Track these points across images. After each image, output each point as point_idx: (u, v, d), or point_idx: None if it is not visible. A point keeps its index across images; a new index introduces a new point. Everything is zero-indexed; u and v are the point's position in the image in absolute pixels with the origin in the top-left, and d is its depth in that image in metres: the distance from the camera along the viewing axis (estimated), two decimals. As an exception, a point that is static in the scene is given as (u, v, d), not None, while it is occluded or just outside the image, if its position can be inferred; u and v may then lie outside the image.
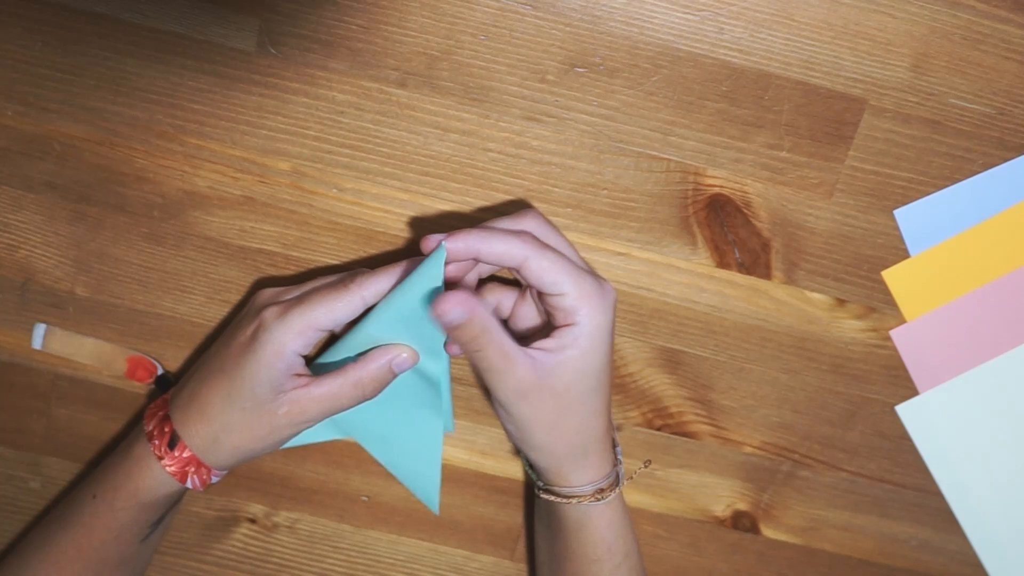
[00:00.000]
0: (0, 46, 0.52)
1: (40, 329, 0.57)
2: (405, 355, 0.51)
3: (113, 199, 0.55)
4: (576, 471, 0.51)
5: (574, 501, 0.52)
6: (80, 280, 0.57)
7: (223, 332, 0.53)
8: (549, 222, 0.50)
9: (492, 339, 0.47)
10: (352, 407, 0.51)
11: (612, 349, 0.50)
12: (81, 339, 0.57)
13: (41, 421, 0.60)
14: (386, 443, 0.58)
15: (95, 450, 0.60)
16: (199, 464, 0.51)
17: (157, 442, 0.51)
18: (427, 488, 0.59)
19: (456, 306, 0.46)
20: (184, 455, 0.51)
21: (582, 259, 0.51)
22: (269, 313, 0.49)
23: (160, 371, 0.57)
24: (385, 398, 0.55)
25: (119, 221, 0.55)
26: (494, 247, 0.48)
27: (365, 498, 0.61)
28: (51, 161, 0.54)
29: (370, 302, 0.50)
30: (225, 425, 0.50)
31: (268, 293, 0.52)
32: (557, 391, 0.49)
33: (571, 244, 0.51)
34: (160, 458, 0.51)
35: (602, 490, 0.52)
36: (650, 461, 0.59)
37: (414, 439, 0.58)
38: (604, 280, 0.49)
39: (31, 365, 0.58)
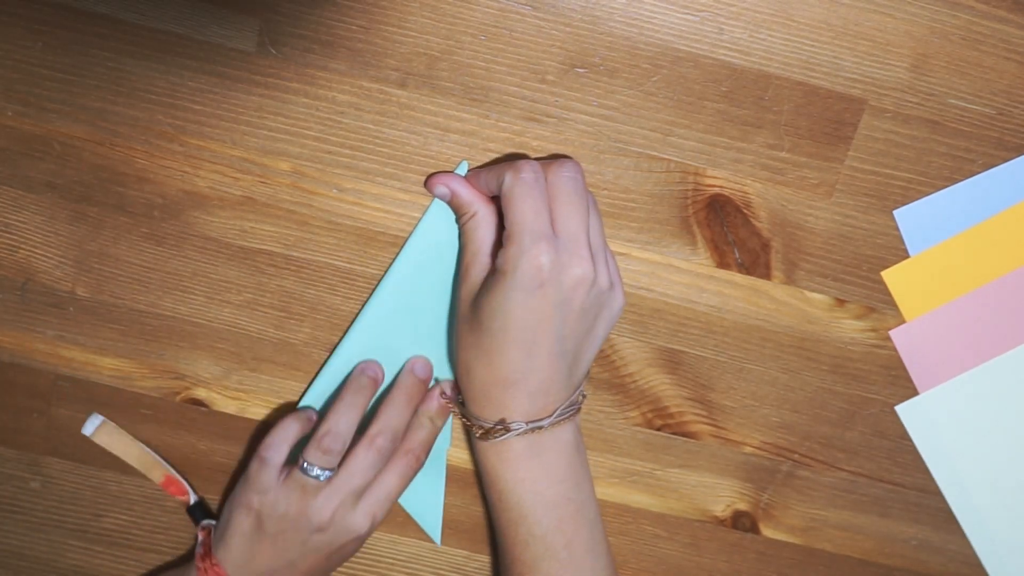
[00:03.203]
0: (0, 46, 0.52)
1: (96, 420, 0.59)
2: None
3: (113, 199, 0.55)
4: (467, 391, 0.53)
5: (459, 415, 0.54)
6: (80, 280, 0.57)
7: (284, 534, 0.54)
8: (580, 180, 0.50)
9: (476, 227, 0.52)
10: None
11: (544, 317, 0.49)
12: (131, 441, 0.59)
13: (41, 421, 0.60)
14: None
15: (95, 450, 0.60)
16: None
17: None
18: (430, 518, 0.60)
19: (440, 184, 0.53)
20: None
21: (600, 236, 0.51)
22: (359, 523, 0.54)
23: (193, 499, 0.59)
24: None
25: (119, 221, 0.56)
26: (485, 179, 0.52)
27: (365, 498, 0.61)
28: (51, 161, 0.54)
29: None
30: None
31: (325, 501, 0.53)
32: (471, 299, 0.51)
33: (591, 212, 0.50)
34: None
35: (482, 427, 0.52)
36: (536, 427, 0.53)
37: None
38: (581, 259, 0.49)
39: (31, 365, 0.58)
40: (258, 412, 0.59)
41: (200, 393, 0.59)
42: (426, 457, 0.56)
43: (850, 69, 0.52)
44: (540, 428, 0.52)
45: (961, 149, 0.54)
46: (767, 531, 0.62)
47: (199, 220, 0.55)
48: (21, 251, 0.56)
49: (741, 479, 0.60)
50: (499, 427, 0.51)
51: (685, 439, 0.59)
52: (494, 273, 0.50)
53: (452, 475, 0.60)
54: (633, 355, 0.58)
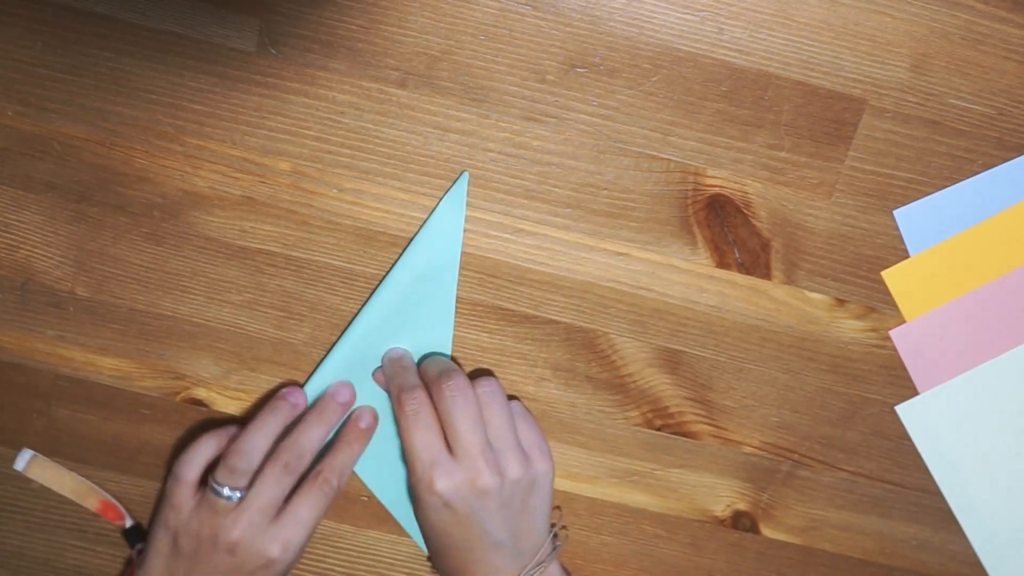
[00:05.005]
0: (0, 46, 0.52)
1: (26, 454, 0.60)
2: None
3: (113, 199, 0.55)
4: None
5: None
6: (80, 280, 0.57)
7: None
8: (467, 389, 0.53)
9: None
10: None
11: (462, 525, 0.53)
12: (63, 472, 0.60)
13: (41, 421, 0.60)
14: (384, 481, 0.59)
15: (95, 450, 0.60)
16: None
17: None
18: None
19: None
20: None
21: (502, 427, 0.53)
22: (269, 548, 0.53)
23: (129, 523, 0.60)
24: (382, 436, 0.57)
25: (119, 221, 0.56)
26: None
27: (365, 498, 0.61)
28: (51, 161, 0.54)
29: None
30: None
31: (234, 522, 0.52)
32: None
33: (490, 406, 0.54)
34: None
35: None
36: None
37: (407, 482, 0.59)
38: (480, 471, 0.52)
39: (31, 365, 0.58)
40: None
41: (200, 393, 0.59)
42: (340, 483, 0.55)
43: (850, 69, 0.52)
44: None
45: (961, 149, 0.54)
46: (767, 531, 0.62)
47: (199, 220, 0.55)
48: (21, 251, 0.56)
49: (741, 479, 0.60)
50: None
51: (685, 439, 0.59)
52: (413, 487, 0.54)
53: (452, 475, 0.60)
54: (633, 355, 0.58)
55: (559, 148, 0.54)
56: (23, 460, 0.59)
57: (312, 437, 0.54)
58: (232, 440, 0.54)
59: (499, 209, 0.55)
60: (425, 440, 0.52)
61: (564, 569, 0.57)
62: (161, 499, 0.55)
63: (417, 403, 0.53)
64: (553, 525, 0.57)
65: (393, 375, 0.55)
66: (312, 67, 0.52)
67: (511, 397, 0.58)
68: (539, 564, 0.55)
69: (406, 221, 0.55)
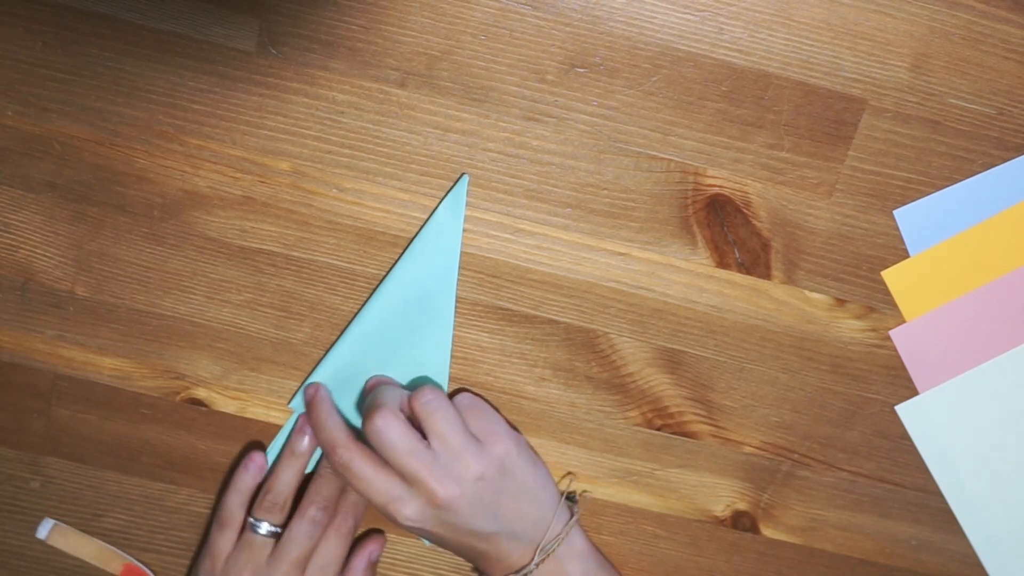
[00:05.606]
0: (0, 46, 0.52)
1: (47, 524, 0.60)
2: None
3: (113, 199, 0.55)
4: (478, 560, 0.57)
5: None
6: (80, 280, 0.57)
7: None
8: (395, 425, 0.52)
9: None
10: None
11: (448, 532, 0.54)
12: (85, 539, 0.61)
13: (41, 421, 0.60)
14: None
15: (95, 450, 0.60)
16: None
17: None
18: None
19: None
20: None
21: (448, 432, 0.53)
22: None
23: None
24: None
25: (119, 221, 0.56)
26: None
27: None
28: (51, 161, 0.54)
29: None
30: None
31: (271, 570, 0.56)
32: None
33: (433, 412, 0.53)
34: None
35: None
36: None
37: None
38: (433, 491, 0.52)
39: (31, 365, 0.58)
40: (258, 412, 0.59)
41: (200, 393, 0.59)
42: (357, 519, 0.58)
43: (850, 69, 0.52)
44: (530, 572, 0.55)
45: (961, 149, 0.54)
46: (767, 531, 0.62)
47: (199, 220, 0.55)
48: (21, 251, 0.56)
49: (741, 479, 0.60)
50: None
51: (685, 439, 0.59)
52: None
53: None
54: (633, 355, 0.58)
55: (559, 148, 0.54)
56: (44, 529, 0.60)
57: (333, 486, 0.57)
58: (261, 470, 0.58)
59: (499, 209, 0.55)
60: (368, 487, 0.53)
61: (591, 543, 0.58)
62: (205, 549, 0.58)
63: (346, 459, 0.53)
64: (571, 494, 0.58)
65: (315, 431, 0.56)
66: (312, 67, 0.52)
67: (460, 391, 0.58)
68: (555, 537, 0.55)
69: (406, 221, 0.55)
